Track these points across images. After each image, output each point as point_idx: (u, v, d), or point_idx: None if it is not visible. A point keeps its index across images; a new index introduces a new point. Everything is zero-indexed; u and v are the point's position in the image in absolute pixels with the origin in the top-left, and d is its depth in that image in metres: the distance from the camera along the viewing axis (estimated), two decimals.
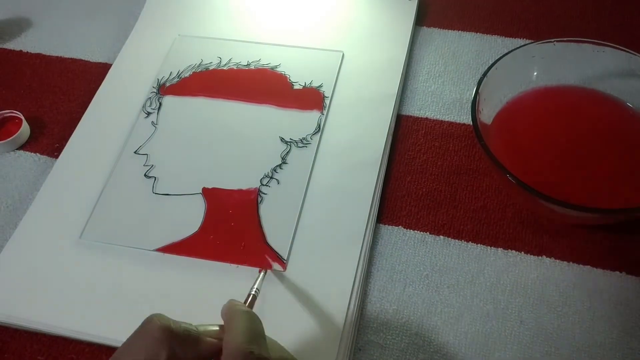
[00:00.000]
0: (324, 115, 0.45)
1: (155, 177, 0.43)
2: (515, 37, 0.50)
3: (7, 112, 0.48)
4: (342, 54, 0.49)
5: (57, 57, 0.53)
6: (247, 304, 0.33)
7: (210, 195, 0.42)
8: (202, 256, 0.39)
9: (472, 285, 0.38)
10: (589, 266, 0.38)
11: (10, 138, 0.46)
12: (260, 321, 0.30)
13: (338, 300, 0.36)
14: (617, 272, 0.37)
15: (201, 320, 0.29)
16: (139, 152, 0.44)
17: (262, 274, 0.37)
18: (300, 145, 0.44)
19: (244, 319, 0.29)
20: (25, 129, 0.47)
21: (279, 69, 0.49)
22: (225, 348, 0.28)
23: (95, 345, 0.36)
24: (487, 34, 0.51)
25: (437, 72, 0.49)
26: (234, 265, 0.38)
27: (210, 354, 0.28)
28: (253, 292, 0.34)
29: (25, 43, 0.55)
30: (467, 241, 0.40)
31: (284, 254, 0.38)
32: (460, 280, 0.38)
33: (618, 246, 0.39)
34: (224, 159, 0.44)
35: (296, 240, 0.39)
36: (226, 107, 0.47)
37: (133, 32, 0.53)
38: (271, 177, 0.42)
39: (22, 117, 0.48)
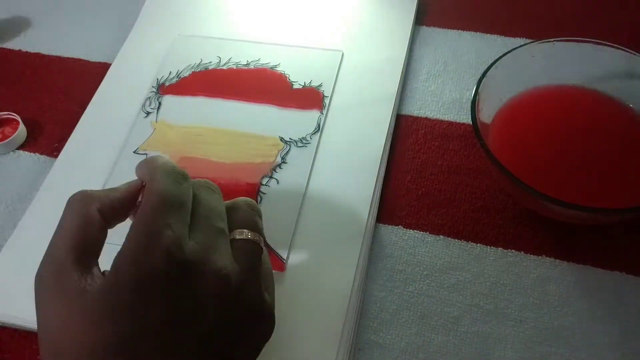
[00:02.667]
0: (324, 115, 0.45)
1: None
2: (515, 37, 0.50)
3: (4, 114, 0.48)
4: (341, 53, 0.49)
5: (56, 56, 0.53)
6: None
7: None
8: None
9: (472, 285, 0.38)
10: (589, 266, 0.38)
11: (6, 140, 0.46)
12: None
13: (337, 300, 0.36)
14: (617, 272, 0.37)
15: None
16: (139, 152, 0.44)
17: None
18: (299, 144, 0.44)
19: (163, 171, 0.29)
20: (22, 131, 0.47)
21: (278, 69, 0.49)
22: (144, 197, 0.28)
23: None
24: (487, 33, 0.51)
25: (437, 71, 0.49)
26: None
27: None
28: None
29: (25, 42, 0.54)
30: (467, 241, 0.40)
31: (283, 254, 0.38)
32: (460, 280, 0.38)
33: (618, 246, 0.39)
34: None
35: (295, 240, 0.39)
36: (226, 106, 0.46)
37: (132, 32, 0.53)
38: (271, 177, 0.42)
39: (19, 119, 0.47)
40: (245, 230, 0.31)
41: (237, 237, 0.30)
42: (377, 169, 0.42)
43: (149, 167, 0.30)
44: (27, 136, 0.48)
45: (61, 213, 0.42)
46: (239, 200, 0.33)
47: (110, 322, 0.25)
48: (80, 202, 0.28)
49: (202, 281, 0.27)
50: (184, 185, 0.29)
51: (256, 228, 0.31)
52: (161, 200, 0.27)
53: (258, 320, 0.29)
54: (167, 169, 0.29)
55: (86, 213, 0.28)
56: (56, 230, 0.28)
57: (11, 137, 0.46)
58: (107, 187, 0.42)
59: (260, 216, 0.33)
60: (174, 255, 0.26)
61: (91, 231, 0.28)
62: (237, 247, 0.30)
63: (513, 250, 0.39)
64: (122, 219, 0.30)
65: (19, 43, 0.55)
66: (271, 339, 0.31)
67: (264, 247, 0.31)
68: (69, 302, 0.25)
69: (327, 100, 0.46)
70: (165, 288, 0.26)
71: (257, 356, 0.30)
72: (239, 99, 0.47)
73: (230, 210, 0.31)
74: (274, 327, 0.31)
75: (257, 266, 0.30)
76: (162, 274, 0.25)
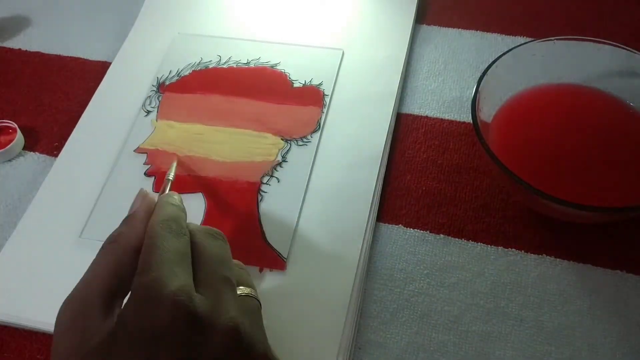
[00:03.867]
0: (324, 114, 0.45)
1: (155, 176, 0.43)
2: (515, 35, 0.50)
3: (0, 122, 0.47)
4: (342, 52, 0.49)
5: (56, 55, 0.53)
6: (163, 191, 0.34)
7: (211, 189, 0.42)
8: None
9: (472, 284, 0.38)
10: (589, 265, 0.38)
11: (3, 150, 0.45)
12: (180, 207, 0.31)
13: (338, 299, 0.36)
14: (618, 271, 0.37)
15: None
16: (139, 151, 0.44)
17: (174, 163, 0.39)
18: (300, 143, 0.44)
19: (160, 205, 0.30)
20: (19, 139, 0.46)
21: (278, 67, 0.49)
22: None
23: None
24: (487, 32, 0.51)
25: (437, 70, 0.49)
26: None
27: None
28: (170, 178, 0.36)
29: (25, 41, 0.54)
30: (468, 240, 0.40)
31: (284, 252, 0.38)
32: (460, 279, 0.38)
33: (618, 245, 0.38)
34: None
35: (296, 238, 0.39)
36: (226, 105, 0.46)
37: (132, 31, 0.53)
38: (271, 176, 0.42)
39: (17, 127, 0.46)
40: (243, 287, 0.30)
41: (239, 293, 0.30)
42: (378, 168, 0.42)
43: (150, 223, 0.30)
44: (26, 137, 0.47)
45: (61, 212, 0.42)
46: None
47: None
48: (113, 246, 0.29)
49: (212, 335, 0.25)
50: (182, 239, 0.29)
51: (251, 285, 0.32)
52: (159, 253, 0.27)
53: None
54: (163, 225, 0.29)
55: (118, 259, 0.28)
56: (89, 270, 0.28)
57: (8, 147, 0.45)
58: (108, 186, 0.42)
59: (248, 274, 0.33)
60: (182, 306, 0.25)
61: (123, 275, 0.28)
62: (240, 302, 0.29)
63: (513, 249, 0.39)
64: None
65: (18, 42, 0.54)
66: (271, 339, 0.31)
67: (260, 305, 0.31)
68: (87, 348, 0.25)
69: (327, 99, 0.46)
70: (172, 344, 0.24)
71: None
72: (239, 98, 0.47)
73: None
74: None
75: (260, 321, 0.30)
76: (169, 328, 0.24)
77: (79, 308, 0.27)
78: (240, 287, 0.30)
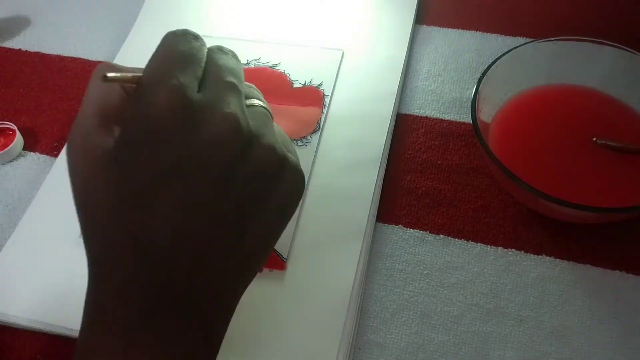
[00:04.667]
0: (324, 114, 0.45)
1: None
2: (515, 36, 0.50)
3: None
4: (342, 52, 0.49)
5: (56, 55, 0.53)
6: None
7: None
8: None
9: (472, 284, 0.38)
10: (589, 265, 0.38)
11: (2, 152, 0.45)
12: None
13: (338, 299, 0.36)
14: (617, 271, 0.37)
15: None
16: None
17: None
18: (300, 144, 0.44)
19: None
20: (18, 141, 0.46)
21: (278, 68, 0.49)
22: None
23: None
24: (487, 32, 0.51)
25: (437, 70, 0.49)
26: None
27: None
28: None
29: (25, 42, 0.54)
30: (467, 240, 0.40)
31: (284, 252, 0.38)
32: (460, 279, 0.38)
33: (618, 245, 0.39)
34: None
35: (296, 238, 0.39)
36: None
37: (132, 31, 0.53)
38: None
39: (16, 129, 0.46)
40: (254, 99, 0.30)
41: (248, 103, 0.29)
42: (378, 168, 0.42)
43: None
44: (26, 137, 0.47)
45: (61, 212, 0.42)
46: None
47: (127, 172, 0.25)
48: (103, 72, 0.28)
49: (209, 124, 0.25)
50: (194, 43, 0.28)
51: (261, 99, 0.31)
52: (168, 53, 0.27)
53: (281, 168, 0.28)
54: (178, 30, 0.29)
55: (108, 84, 0.28)
56: (83, 100, 0.28)
57: (7, 149, 0.45)
58: None
59: (260, 92, 0.32)
60: (179, 97, 0.25)
61: (112, 99, 0.28)
62: (249, 111, 0.28)
63: (513, 250, 0.39)
64: None
65: (18, 42, 0.54)
66: (271, 338, 0.31)
67: (272, 115, 0.30)
68: (93, 159, 0.26)
69: (327, 99, 0.46)
70: (171, 130, 0.25)
71: (284, 223, 0.29)
72: None
73: None
74: (304, 184, 0.30)
75: (270, 125, 0.29)
76: (167, 115, 0.25)
77: (81, 132, 0.27)
78: (249, 99, 0.29)
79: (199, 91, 0.27)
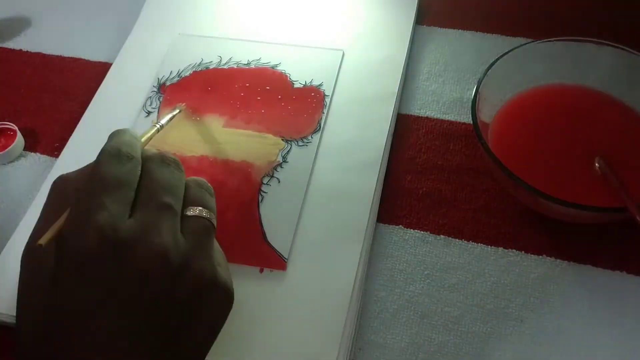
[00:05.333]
0: (324, 114, 0.45)
1: None
2: (515, 36, 0.50)
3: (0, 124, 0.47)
4: (342, 52, 0.49)
5: (57, 56, 0.53)
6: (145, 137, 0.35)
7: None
8: None
9: (472, 285, 0.38)
10: (589, 265, 0.38)
11: (3, 152, 0.45)
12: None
13: (338, 300, 0.36)
14: (618, 272, 0.37)
15: None
16: None
17: (176, 110, 0.37)
18: (300, 144, 0.44)
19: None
20: (19, 142, 0.46)
21: (279, 68, 0.49)
22: None
23: None
24: (487, 32, 0.51)
25: (438, 71, 0.49)
26: (234, 265, 0.38)
27: None
28: (157, 126, 0.36)
29: (25, 42, 0.54)
30: (468, 240, 0.40)
31: (284, 253, 0.38)
32: (460, 280, 0.38)
33: (618, 245, 0.39)
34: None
35: (296, 239, 0.39)
36: (226, 106, 0.46)
37: (133, 31, 0.53)
38: (272, 176, 0.42)
39: (17, 129, 0.46)
40: (197, 207, 0.30)
41: (189, 214, 0.30)
42: (378, 169, 0.42)
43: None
44: (26, 137, 0.47)
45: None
46: (188, 180, 0.33)
47: (58, 301, 0.27)
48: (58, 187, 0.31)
49: (136, 259, 0.27)
50: (127, 165, 0.29)
51: (207, 206, 0.31)
52: (96, 181, 0.28)
53: (210, 290, 0.29)
54: (111, 150, 0.30)
55: (63, 198, 0.30)
56: (40, 214, 0.30)
57: (8, 149, 0.45)
58: None
59: (211, 194, 0.33)
60: (106, 235, 0.26)
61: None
62: (187, 224, 0.30)
63: (513, 250, 0.39)
64: None
65: (19, 43, 0.54)
66: (271, 339, 0.31)
67: (214, 225, 0.31)
68: (34, 275, 0.28)
69: (327, 100, 0.46)
70: (98, 268, 0.26)
71: (214, 337, 0.30)
72: (239, 99, 0.47)
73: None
74: (232, 301, 0.31)
75: (207, 241, 0.30)
76: (95, 254, 0.26)
77: (30, 254, 0.29)
78: (192, 208, 0.30)
79: (131, 215, 0.28)
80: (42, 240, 0.27)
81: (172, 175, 0.31)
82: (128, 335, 0.26)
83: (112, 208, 0.27)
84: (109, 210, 0.27)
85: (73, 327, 0.26)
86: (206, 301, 0.29)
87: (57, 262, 0.27)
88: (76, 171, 0.32)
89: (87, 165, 0.32)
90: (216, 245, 0.32)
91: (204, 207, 0.31)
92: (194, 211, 0.30)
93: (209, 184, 0.34)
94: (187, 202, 0.31)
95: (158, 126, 0.37)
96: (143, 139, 0.35)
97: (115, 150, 0.30)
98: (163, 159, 0.31)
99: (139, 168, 0.30)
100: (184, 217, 0.30)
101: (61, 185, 0.31)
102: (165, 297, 0.27)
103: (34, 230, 0.30)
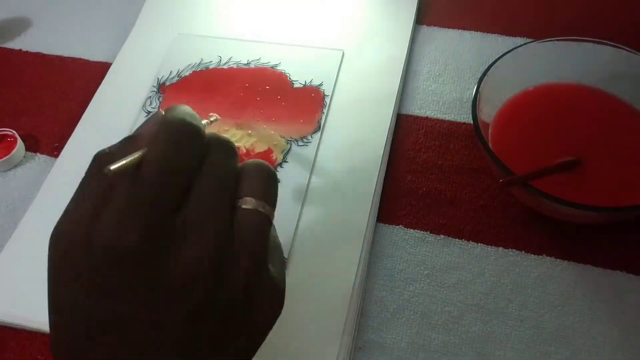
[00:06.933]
0: (324, 114, 0.45)
1: None
2: (515, 36, 0.50)
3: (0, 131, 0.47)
4: (342, 52, 0.49)
5: (56, 56, 0.53)
6: None
7: None
8: None
9: (472, 285, 0.38)
10: (589, 265, 0.38)
11: (4, 159, 0.45)
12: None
13: (338, 299, 0.36)
14: (618, 271, 0.37)
15: None
16: None
17: (213, 117, 0.33)
18: (300, 143, 0.44)
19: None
20: (19, 148, 0.46)
21: (279, 68, 0.49)
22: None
23: None
24: (487, 32, 0.51)
25: (438, 71, 0.49)
26: None
27: None
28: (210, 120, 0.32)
29: (25, 42, 0.55)
30: (468, 240, 0.40)
31: (284, 252, 0.38)
32: (461, 280, 0.38)
33: (619, 245, 0.38)
34: None
35: (296, 239, 0.39)
36: (226, 106, 0.46)
37: (133, 31, 0.53)
38: None
39: (17, 136, 0.46)
40: (251, 200, 0.26)
41: (242, 206, 0.26)
42: (378, 169, 0.42)
43: (159, 120, 0.27)
44: (26, 137, 0.47)
45: (61, 212, 0.42)
46: (249, 164, 0.28)
47: (98, 297, 0.25)
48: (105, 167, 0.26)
49: (181, 260, 0.24)
50: (185, 151, 0.26)
51: (265, 196, 0.27)
52: (162, 160, 0.25)
53: (260, 292, 0.26)
54: (185, 121, 0.26)
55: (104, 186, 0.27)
56: (78, 191, 0.28)
57: (8, 156, 0.45)
58: None
59: (274, 181, 0.28)
60: (152, 231, 0.24)
61: (108, 196, 0.26)
62: (240, 218, 0.26)
63: (514, 250, 0.39)
64: None
65: (19, 43, 0.55)
66: (271, 339, 0.31)
67: (271, 219, 0.27)
68: (73, 264, 0.27)
69: (327, 100, 0.46)
70: (141, 266, 0.24)
71: (263, 339, 0.28)
72: (239, 99, 0.47)
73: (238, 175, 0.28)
74: (282, 303, 0.28)
75: (259, 239, 0.26)
76: (135, 249, 0.24)
77: (70, 228, 0.27)
78: (247, 199, 0.26)
79: (183, 201, 0.25)
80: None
81: (228, 163, 0.27)
82: (164, 346, 0.24)
83: (163, 198, 0.24)
84: (155, 209, 0.24)
85: (117, 328, 0.24)
86: (256, 303, 0.26)
87: (87, 254, 0.25)
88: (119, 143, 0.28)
89: (138, 134, 0.28)
90: (274, 240, 0.28)
91: (260, 198, 0.27)
92: (248, 204, 0.26)
93: (272, 169, 0.29)
94: (244, 192, 0.27)
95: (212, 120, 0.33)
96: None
97: (176, 128, 0.26)
98: (222, 144, 0.27)
99: (199, 151, 0.26)
100: (237, 209, 0.26)
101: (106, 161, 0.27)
102: (210, 302, 0.25)
103: (67, 211, 0.27)
